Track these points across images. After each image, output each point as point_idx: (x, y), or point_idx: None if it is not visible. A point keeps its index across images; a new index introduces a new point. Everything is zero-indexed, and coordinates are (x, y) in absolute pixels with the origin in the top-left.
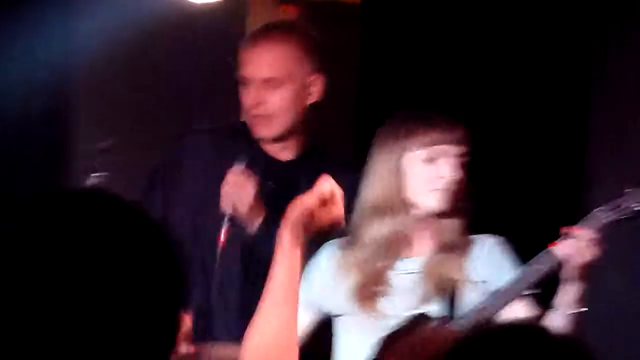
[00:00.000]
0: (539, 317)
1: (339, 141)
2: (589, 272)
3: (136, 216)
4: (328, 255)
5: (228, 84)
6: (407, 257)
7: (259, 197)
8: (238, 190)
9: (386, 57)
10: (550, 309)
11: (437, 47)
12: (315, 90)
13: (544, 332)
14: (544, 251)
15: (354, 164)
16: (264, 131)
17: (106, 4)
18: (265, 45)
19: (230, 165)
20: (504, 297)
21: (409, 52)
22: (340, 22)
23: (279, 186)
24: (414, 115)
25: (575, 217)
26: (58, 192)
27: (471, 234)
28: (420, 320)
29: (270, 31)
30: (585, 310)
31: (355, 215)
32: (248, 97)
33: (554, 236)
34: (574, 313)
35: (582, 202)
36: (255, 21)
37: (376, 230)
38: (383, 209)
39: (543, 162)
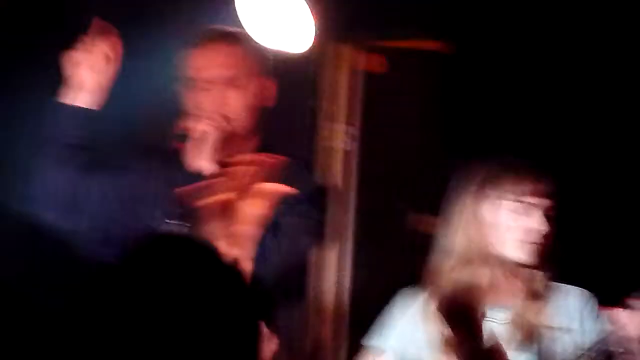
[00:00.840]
0: None
1: (422, 185)
2: None
3: (221, 261)
4: (409, 302)
5: (307, 126)
6: (493, 306)
7: None
8: None
9: (471, 105)
10: None
11: (522, 95)
12: (270, 95)
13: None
14: (604, 316)
15: (301, 166)
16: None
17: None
18: (223, 48)
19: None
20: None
21: (494, 99)
22: (426, 70)
23: None
24: (500, 164)
25: None
26: (157, 237)
27: (557, 283)
28: None
29: (220, 35)
30: None
31: (437, 262)
32: (210, 98)
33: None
34: None
35: None
36: (339, 69)
37: (461, 278)
38: (468, 258)
39: (629, 213)
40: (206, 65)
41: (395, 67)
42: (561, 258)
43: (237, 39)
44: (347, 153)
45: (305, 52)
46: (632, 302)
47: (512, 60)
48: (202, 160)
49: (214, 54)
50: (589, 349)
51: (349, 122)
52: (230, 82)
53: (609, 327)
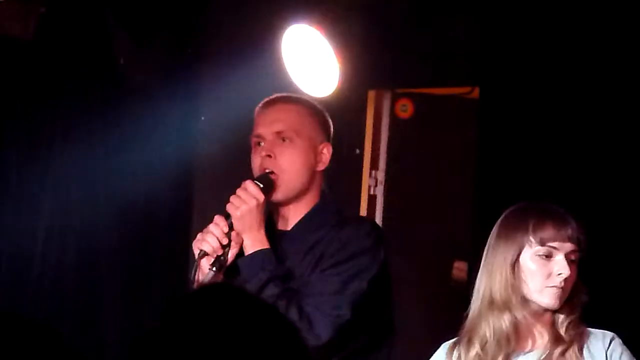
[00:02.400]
0: None
1: (457, 231)
2: None
3: (265, 310)
4: (445, 355)
5: (350, 173)
6: (524, 353)
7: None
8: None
9: (503, 151)
10: None
11: (553, 143)
12: (324, 159)
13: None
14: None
15: (355, 217)
16: (279, 192)
17: (229, 96)
18: (278, 106)
19: None
20: None
21: (527, 146)
22: (458, 116)
23: (282, 252)
24: (532, 209)
25: None
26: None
27: (583, 327)
28: None
29: (282, 97)
30: None
31: (474, 309)
32: (261, 151)
33: None
34: None
35: None
36: (373, 114)
37: (495, 324)
38: (501, 304)
39: None
40: (260, 122)
41: (423, 111)
42: (587, 302)
43: (293, 100)
44: (372, 197)
45: (334, 98)
46: None
47: (541, 106)
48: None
49: (268, 112)
50: None
51: (373, 166)
52: (279, 135)
53: None
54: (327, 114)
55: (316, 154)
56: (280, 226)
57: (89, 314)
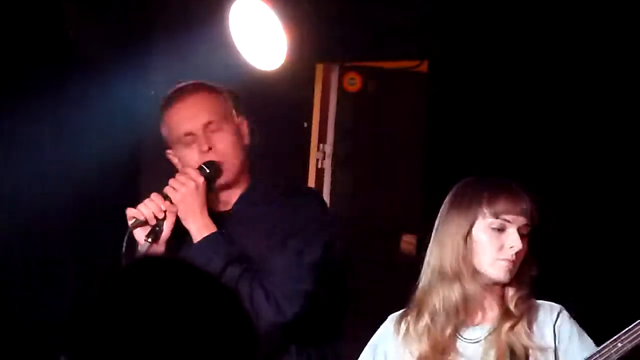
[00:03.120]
0: None
1: (406, 205)
2: None
3: (208, 282)
4: (393, 327)
5: (298, 146)
6: (473, 325)
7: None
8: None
9: (452, 124)
10: None
11: (502, 116)
12: (245, 133)
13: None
14: (631, 327)
15: (299, 189)
16: (226, 176)
17: (180, 71)
18: (192, 99)
19: None
20: None
21: (476, 120)
22: (406, 90)
23: (232, 233)
24: (486, 182)
25: None
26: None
27: (532, 300)
28: None
29: (187, 88)
30: None
31: (424, 281)
32: (196, 147)
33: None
34: None
35: None
36: (321, 88)
37: (445, 295)
38: (452, 276)
39: (612, 228)
40: (183, 119)
41: (371, 85)
42: (537, 276)
43: (198, 89)
44: (320, 171)
45: (282, 71)
46: None
47: (490, 79)
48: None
49: (186, 107)
50: (591, 357)
51: (321, 140)
52: (208, 127)
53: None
54: (226, 90)
55: (240, 130)
56: (219, 207)
57: (37, 290)
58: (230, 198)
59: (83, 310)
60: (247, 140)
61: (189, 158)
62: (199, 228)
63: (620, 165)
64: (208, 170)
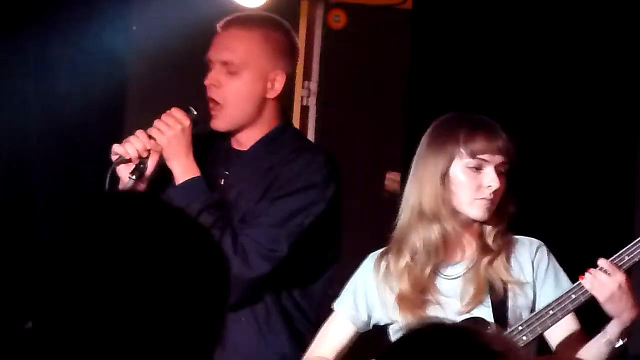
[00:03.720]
0: (582, 336)
1: (390, 142)
2: (630, 298)
3: (179, 218)
4: (373, 265)
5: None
6: (453, 263)
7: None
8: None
9: (435, 62)
10: (600, 334)
11: (486, 52)
12: (276, 87)
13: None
14: (577, 283)
15: (311, 147)
16: (218, 123)
17: (162, 6)
18: (231, 31)
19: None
20: (562, 308)
21: (459, 57)
22: (391, 27)
23: (234, 172)
24: (463, 120)
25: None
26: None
27: (510, 236)
28: (475, 324)
29: (241, 19)
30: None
31: (402, 222)
32: (208, 78)
33: (603, 248)
34: (617, 345)
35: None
36: (305, 25)
37: (425, 235)
38: (431, 215)
39: (592, 167)
40: (213, 44)
41: (356, 22)
42: (515, 213)
43: (250, 24)
44: (304, 108)
45: (267, 9)
46: (602, 265)
47: (474, 15)
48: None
49: (221, 37)
50: (548, 306)
51: (306, 77)
52: (225, 66)
53: (564, 278)
54: (289, 37)
55: (266, 82)
56: (235, 144)
57: (19, 227)
58: (247, 140)
59: (51, 242)
60: (272, 94)
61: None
62: (182, 171)
63: (597, 108)
64: (195, 113)
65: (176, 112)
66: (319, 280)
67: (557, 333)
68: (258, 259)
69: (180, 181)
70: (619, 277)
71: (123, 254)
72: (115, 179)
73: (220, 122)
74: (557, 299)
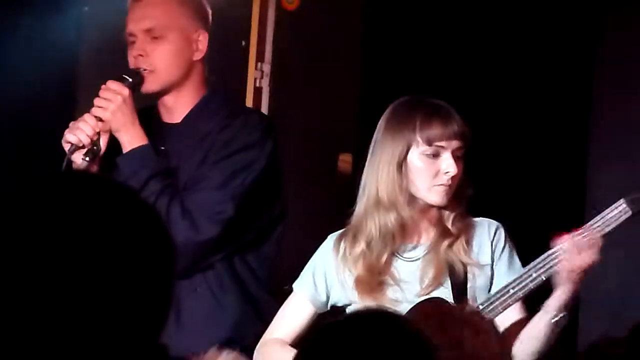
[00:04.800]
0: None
1: (343, 125)
2: (583, 277)
3: (126, 195)
4: (332, 246)
5: (236, 64)
6: (411, 245)
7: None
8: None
9: (390, 44)
10: (540, 310)
11: (442, 33)
12: (201, 47)
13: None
14: (550, 252)
15: (244, 110)
16: (150, 85)
17: None
18: (145, 0)
19: None
20: (522, 287)
21: (413, 38)
22: (344, 8)
23: (171, 148)
24: (418, 105)
25: (579, 214)
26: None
27: (469, 218)
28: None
29: None
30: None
31: (360, 207)
32: (132, 51)
33: (557, 229)
34: (559, 319)
35: (586, 192)
36: (259, 6)
37: (381, 222)
38: (388, 203)
39: (546, 153)
40: (131, 18)
41: (310, 3)
42: (472, 196)
43: None
44: (258, 89)
45: None
46: (576, 233)
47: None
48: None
49: (137, 7)
50: (506, 287)
51: (259, 59)
52: (149, 33)
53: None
54: (202, 1)
55: (191, 43)
56: (167, 118)
57: None
58: (178, 108)
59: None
60: (198, 56)
61: (129, 59)
62: (130, 140)
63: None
64: (131, 80)
65: (112, 84)
66: (268, 240)
67: (505, 319)
68: (206, 222)
69: (128, 149)
70: (595, 250)
71: (61, 233)
72: (70, 164)
73: (151, 85)
74: (517, 278)
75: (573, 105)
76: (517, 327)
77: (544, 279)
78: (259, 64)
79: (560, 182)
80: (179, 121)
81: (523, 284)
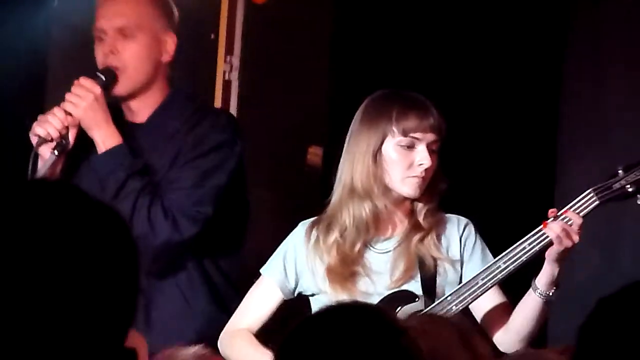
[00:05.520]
0: (508, 305)
1: (313, 118)
2: (569, 255)
3: (89, 204)
4: (304, 234)
5: (206, 58)
6: (383, 237)
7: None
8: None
9: (360, 37)
10: (530, 290)
11: (411, 26)
12: (169, 49)
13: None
14: (536, 231)
15: (209, 110)
16: (119, 88)
17: None
18: None
19: None
20: (491, 278)
21: (383, 32)
22: (314, 2)
23: (137, 147)
24: (395, 98)
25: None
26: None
27: (441, 213)
28: (403, 297)
29: None
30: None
31: (335, 197)
32: (102, 48)
33: (525, 221)
34: (550, 295)
35: (555, 185)
36: (228, 1)
37: (355, 212)
38: (362, 193)
39: (515, 146)
40: (101, 15)
41: None
42: (445, 190)
43: None
44: (227, 83)
45: None
46: (563, 213)
47: None
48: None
49: (109, 4)
50: (477, 275)
51: (228, 52)
52: (120, 32)
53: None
54: (170, 2)
55: (160, 44)
56: (130, 118)
57: None
58: (142, 109)
59: None
60: (167, 57)
61: (97, 55)
62: (104, 139)
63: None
64: (104, 78)
65: (85, 82)
66: (237, 239)
67: (484, 305)
68: (187, 221)
69: (103, 150)
70: (578, 230)
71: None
72: (37, 157)
73: (120, 87)
74: (486, 269)
75: (542, 96)
76: (499, 311)
77: (512, 269)
78: (228, 57)
79: (530, 174)
80: (143, 121)
81: (492, 275)
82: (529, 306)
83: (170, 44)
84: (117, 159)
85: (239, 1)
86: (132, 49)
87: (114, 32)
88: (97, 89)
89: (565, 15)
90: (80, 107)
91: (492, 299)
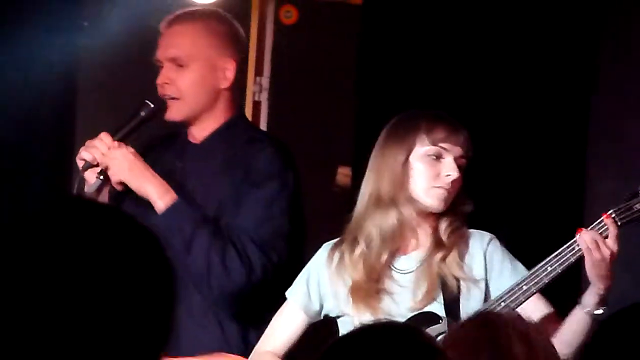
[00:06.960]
0: (554, 315)
1: (342, 137)
2: (611, 268)
3: (128, 224)
4: (327, 256)
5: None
6: (406, 254)
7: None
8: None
9: (386, 59)
10: (577, 307)
11: (437, 48)
12: (229, 76)
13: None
14: (571, 242)
15: (263, 139)
16: (174, 114)
17: (114, 2)
18: (175, 28)
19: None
20: (525, 291)
21: (409, 53)
22: (341, 23)
23: (188, 166)
24: (424, 113)
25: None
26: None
27: (464, 230)
28: (426, 319)
29: (182, 16)
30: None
31: (358, 211)
32: (159, 77)
33: (554, 237)
34: (596, 313)
35: (583, 202)
36: (257, 20)
37: (380, 222)
38: (388, 202)
39: (543, 162)
40: (159, 45)
41: (308, 18)
42: (473, 205)
43: (191, 18)
44: (256, 104)
45: (218, 4)
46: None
47: (424, 12)
48: None
49: (166, 35)
50: (499, 298)
51: (258, 73)
52: (174, 62)
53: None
54: (233, 26)
55: (216, 71)
56: (190, 138)
57: None
58: (200, 132)
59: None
60: (226, 84)
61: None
62: (160, 195)
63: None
64: (152, 106)
65: (113, 144)
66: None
67: (531, 314)
68: (260, 268)
69: (162, 207)
70: (615, 240)
71: (68, 261)
72: (82, 182)
73: (175, 113)
74: (530, 274)
75: (571, 112)
76: (546, 322)
77: (560, 271)
78: (258, 78)
79: (559, 190)
80: (199, 142)
81: (538, 277)
82: (576, 322)
83: (229, 69)
84: (180, 214)
85: (268, 22)
86: (186, 77)
87: (168, 62)
88: (130, 154)
89: (595, 36)
90: (121, 168)
91: (536, 307)
